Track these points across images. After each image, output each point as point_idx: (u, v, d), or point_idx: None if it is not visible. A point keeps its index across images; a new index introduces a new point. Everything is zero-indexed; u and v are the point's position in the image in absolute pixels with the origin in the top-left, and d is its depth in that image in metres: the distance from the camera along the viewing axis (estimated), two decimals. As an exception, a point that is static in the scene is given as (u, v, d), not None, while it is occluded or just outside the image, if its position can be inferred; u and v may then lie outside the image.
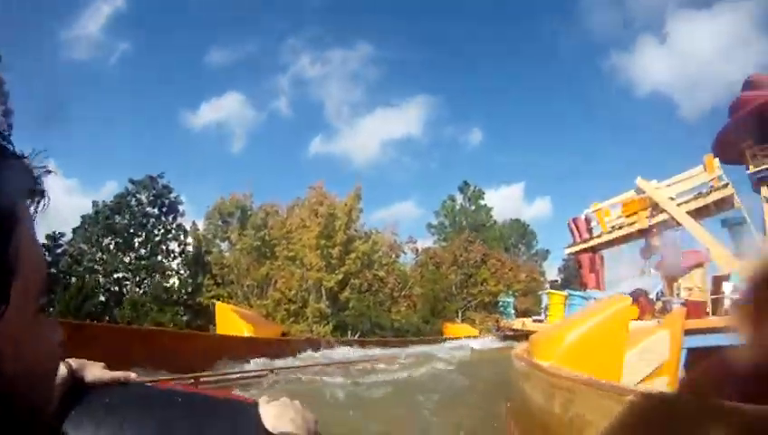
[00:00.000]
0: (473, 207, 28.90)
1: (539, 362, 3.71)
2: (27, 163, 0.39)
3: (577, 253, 19.24)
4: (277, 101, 53.59)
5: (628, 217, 17.18)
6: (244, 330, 9.84)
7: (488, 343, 12.50)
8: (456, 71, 58.97)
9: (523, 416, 3.76)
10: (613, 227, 18.14)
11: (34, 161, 0.39)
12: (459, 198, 29.22)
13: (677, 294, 17.92)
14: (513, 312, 18.59)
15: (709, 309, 12.02)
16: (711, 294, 11.47)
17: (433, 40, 57.81)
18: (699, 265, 18.14)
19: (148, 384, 0.60)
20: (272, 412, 0.53)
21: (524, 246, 30.11)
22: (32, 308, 0.37)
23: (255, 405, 0.55)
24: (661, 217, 16.14)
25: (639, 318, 16.32)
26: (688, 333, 6.40)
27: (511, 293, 18.88)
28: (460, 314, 15.36)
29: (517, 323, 17.62)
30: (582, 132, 55.20)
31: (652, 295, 19.34)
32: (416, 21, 59.25)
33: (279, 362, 8.34)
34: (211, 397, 0.57)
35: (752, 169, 17.01)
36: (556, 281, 27.41)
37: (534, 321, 17.94)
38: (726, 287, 11.73)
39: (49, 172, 0.41)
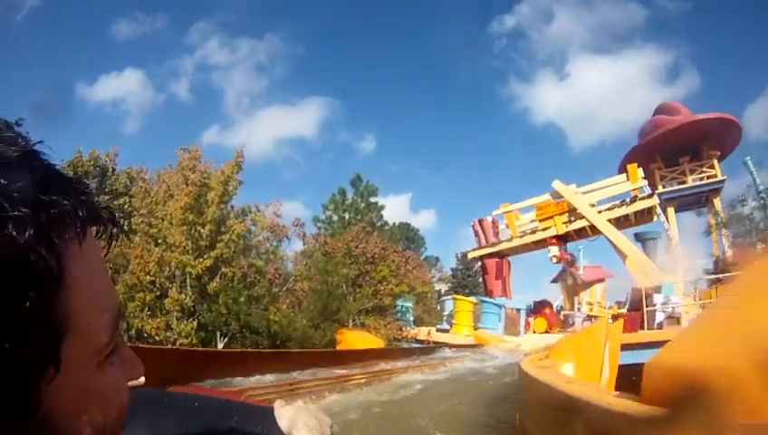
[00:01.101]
0: (363, 204, 27.25)
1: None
2: (82, 185, 0.28)
3: (483, 257, 17.96)
4: (177, 84, 49.03)
5: (541, 221, 16.18)
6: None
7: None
8: (356, 74, 57.52)
9: None
10: (524, 232, 17.10)
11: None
12: (350, 193, 27.51)
13: (579, 309, 17.53)
14: (411, 319, 16.38)
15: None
16: (645, 307, 10.51)
17: (340, 41, 55.37)
18: (600, 281, 17.98)
19: (161, 390, 0.59)
20: (286, 416, 0.53)
21: (413, 251, 29.26)
22: (95, 360, 0.28)
23: (271, 409, 0.55)
24: (579, 223, 15.29)
25: (548, 331, 15.22)
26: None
27: (412, 295, 16.89)
28: (351, 319, 13.06)
29: (422, 333, 15.77)
30: (472, 152, 56.46)
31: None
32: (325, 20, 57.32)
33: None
34: (227, 401, 0.59)
35: (659, 189, 17.11)
36: (439, 290, 27.01)
37: (439, 330, 16.31)
38: (658, 299, 11.14)
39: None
